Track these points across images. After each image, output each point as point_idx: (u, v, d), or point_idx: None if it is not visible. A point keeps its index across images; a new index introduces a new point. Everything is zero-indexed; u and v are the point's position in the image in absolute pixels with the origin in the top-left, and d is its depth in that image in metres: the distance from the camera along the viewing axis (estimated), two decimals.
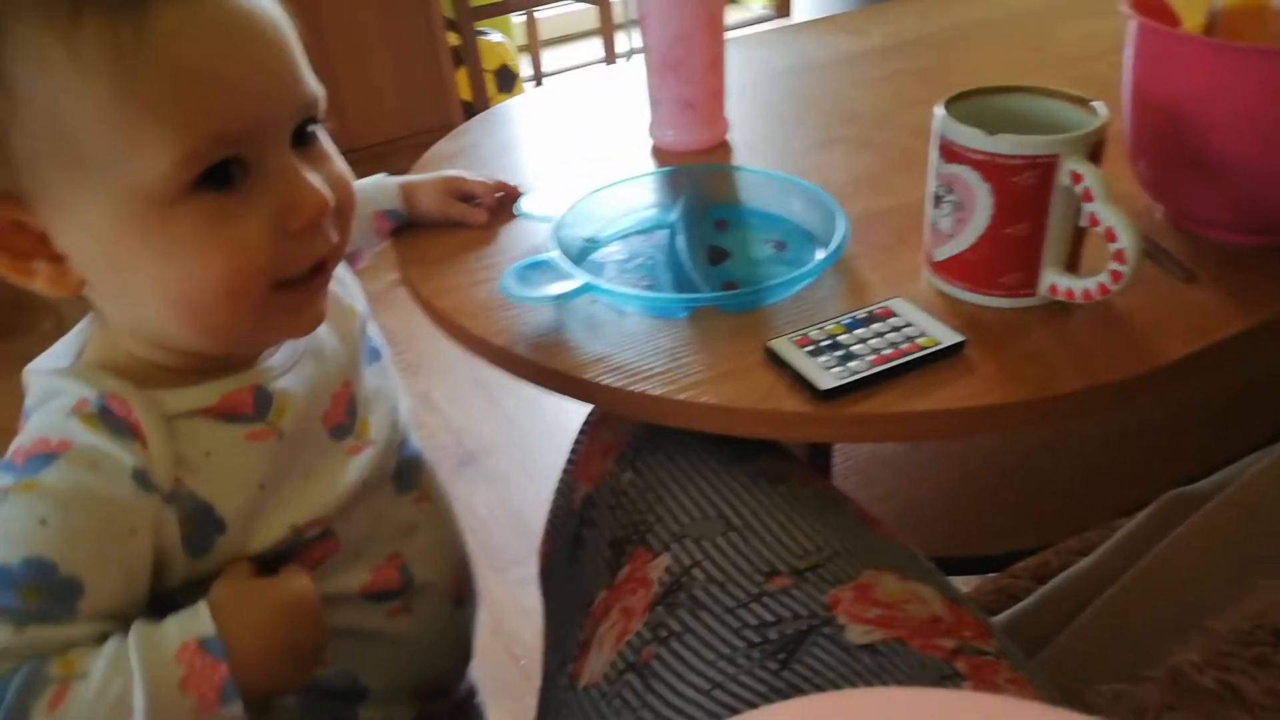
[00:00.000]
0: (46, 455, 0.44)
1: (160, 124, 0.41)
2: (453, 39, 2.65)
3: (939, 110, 0.62)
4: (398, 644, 0.60)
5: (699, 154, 0.90)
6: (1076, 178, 0.58)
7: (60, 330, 0.52)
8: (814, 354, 0.59)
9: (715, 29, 0.84)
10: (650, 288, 0.70)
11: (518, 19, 2.98)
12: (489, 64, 2.74)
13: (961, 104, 0.64)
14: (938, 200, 0.64)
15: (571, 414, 1.85)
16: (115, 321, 0.48)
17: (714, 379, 0.60)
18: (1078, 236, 0.62)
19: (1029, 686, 0.48)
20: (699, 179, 0.80)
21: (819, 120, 0.97)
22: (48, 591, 0.43)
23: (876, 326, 0.61)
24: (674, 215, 0.74)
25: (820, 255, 0.68)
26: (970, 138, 0.59)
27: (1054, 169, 0.58)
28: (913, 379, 0.58)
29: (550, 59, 3.25)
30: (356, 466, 0.54)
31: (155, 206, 0.42)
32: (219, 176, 0.43)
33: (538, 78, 3.01)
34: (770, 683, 0.48)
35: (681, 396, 0.59)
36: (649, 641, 0.52)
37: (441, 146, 0.98)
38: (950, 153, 0.61)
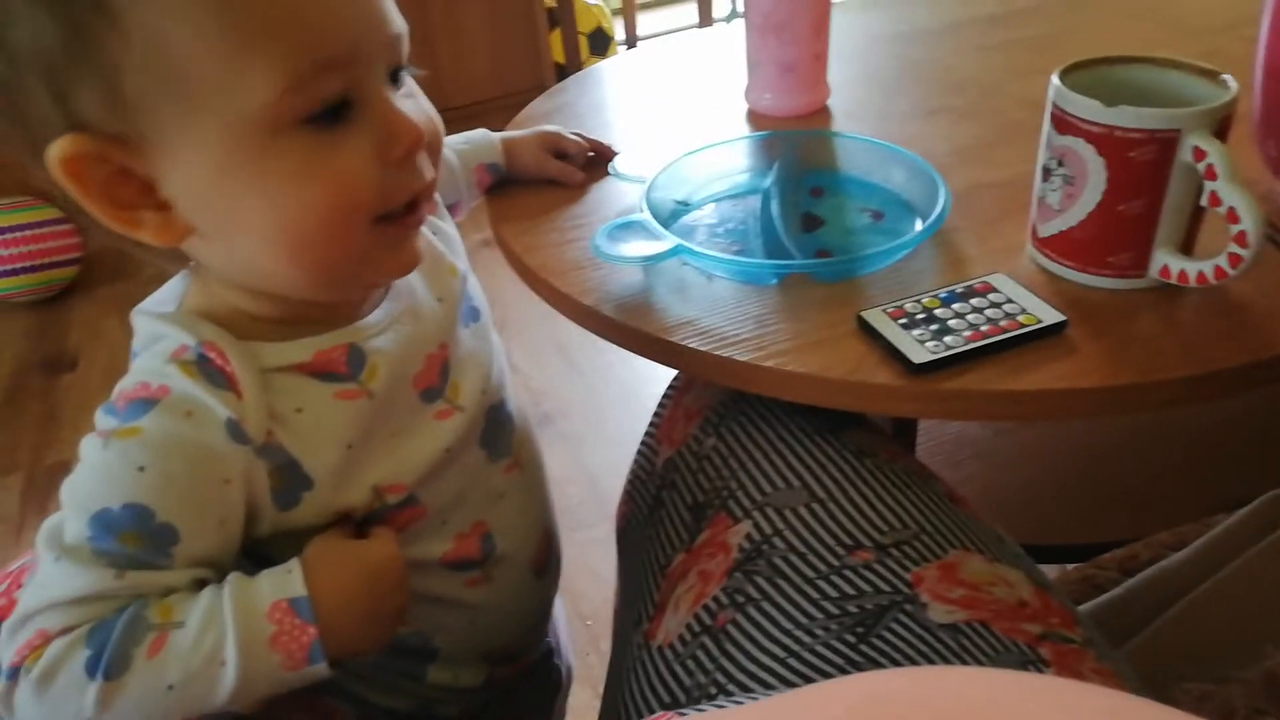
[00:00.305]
0: (146, 401, 0.45)
1: (265, 48, 0.40)
2: (548, 0, 2.65)
3: (1055, 79, 0.60)
4: (474, 612, 0.60)
5: (796, 119, 0.88)
6: (1199, 154, 0.55)
7: (161, 276, 0.53)
8: (908, 327, 0.58)
9: None
10: (741, 253, 0.69)
11: None
12: (583, 26, 2.73)
13: (1079, 74, 0.61)
14: (1047, 174, 0.61)
15: (647, 380, 1.86)
16: (217, 269, 0.48)
17: (803, 347, 0.59)
18: (1195, 217, 0.59)
19: (1115, 678, 0.46)
20: (796, 144, 0.79)
21: (923, 89, 0.94)
22: (146, 537, 0.44)
23: (975, 302, 0.60)
24: (768, 181, 0.73)
25: (919, 226, 0.67)
26: (1087, 109, 0.57)
27: (1175, 144, 0.56)
28: (1011, 357, 0.56)
29: (645, 23, 3.22)
30: (443, 432, 0.54)
31: (262, 138, 0.42)
32: (325, 114, 0.43)
33: (631, 41, 2.99)
34: (847, 655, 0.48)
35: (769, 363, 0.58)
36: (725, 606, 0.52)
37: (537, 105, 0.98)
38: (1064, 124, 0.59)
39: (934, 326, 0.58)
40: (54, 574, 0.44)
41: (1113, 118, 0.56)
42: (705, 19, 2.80)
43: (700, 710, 0.46)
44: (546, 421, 1.66)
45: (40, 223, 2.09)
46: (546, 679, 0.73)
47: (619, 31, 2.96)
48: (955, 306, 0.59)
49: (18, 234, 2.06)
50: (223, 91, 0.41)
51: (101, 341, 2.04)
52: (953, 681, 0.30)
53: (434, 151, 0.49)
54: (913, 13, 1.14)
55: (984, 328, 0.57)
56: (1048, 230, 0.62)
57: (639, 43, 2.99)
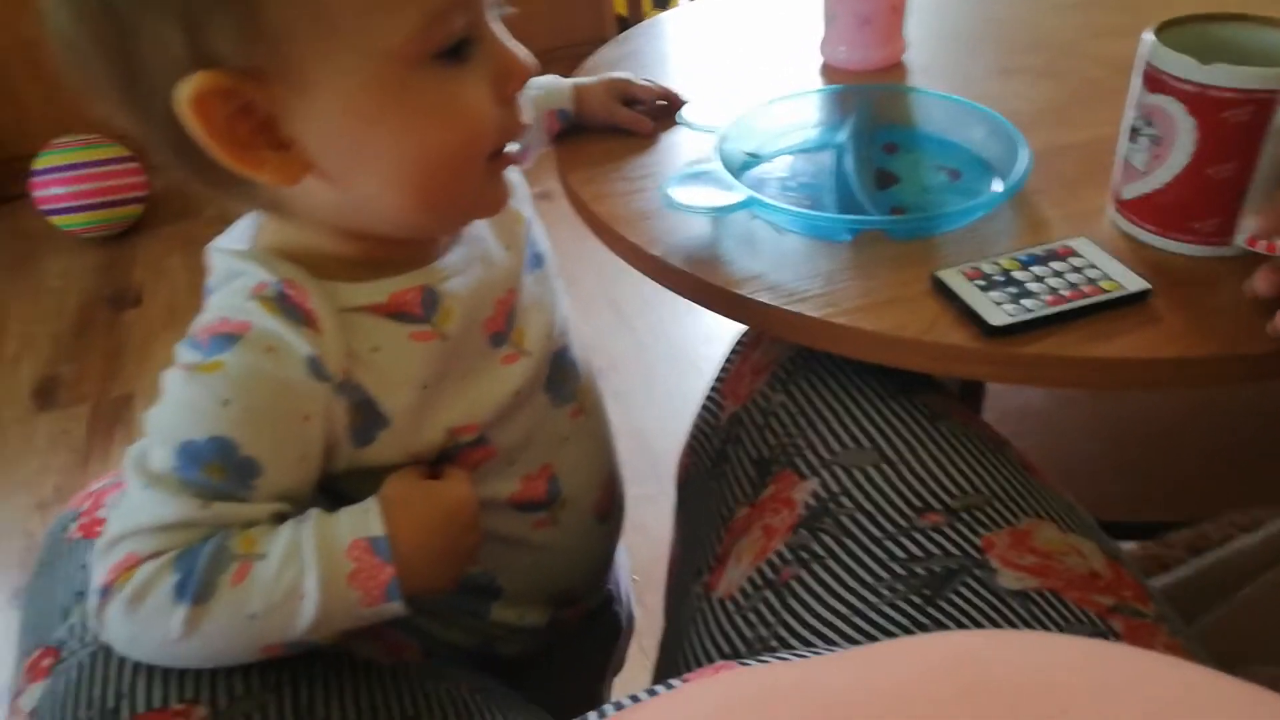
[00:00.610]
0: (229, 336, 0.45)
1: None
2: None
3: (1148, 35, 0.57)
4: (539, 553, 0.61)
5: (872, 74, 0.86)
6: None
7: (223, 218, 0.53)
8: (985, 288, 0.57)
9: None
10: (812, 208, 0.67)
11: None
12: None
13: (1172, 31, 0.59)
14: (1134, 134, 0.59)
15: (699, 340, 1.85)
16: (321, 210, 0.47)
17: (875, 305, 0.58)
18: None
19: (1187, 654, 0.46)
20: (871, 99, 0.77)
21: (1002, 46, 0.91)
22: (230, 469, 0.45)
23: (1055, 265, 0.58)
24: (842, 135, 0.71)
25: (998, 187, 0.65)
26: (1181, 66, 0.55)
27: (1272, 106, 0.53)
28: (1090, 323, 0.55)
29: None
30: (510, 375, 0.54)
31: (396, 74, 0.42)
32: (450, 50, 0.43)
33: None
34: (913, 617, 0.47)
35: (840, 320, 0.57)
36: (789, 562, 0.52)
37: (605, 52, 0.96)
38: (1155, 82, 0.56)
39: (1012, 289, 0.56)
40: (142, 501, 0.45)
41: (1207, 76, 0.54)
42: None
43: (762, 661, 0.46)
44: (598, 376, 1.66)
45: (108, 160, 2.12)
46: (607, 625, 0.74)
47: None
48: (1035, 269, 0.58)
49: (87, 170, 2.10)
50: (363, 26, 0.41)
51: (164, 279, 2.08)
52: (1030, 645, 0.30)
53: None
54: None
55: (1065, 292, 0.56)
56: (1131, 192, 0.60)
57: None
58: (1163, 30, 0.58)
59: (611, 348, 1.75)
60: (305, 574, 0.44)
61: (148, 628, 0.44)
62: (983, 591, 0.47)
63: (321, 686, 0.48)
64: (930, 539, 0.50)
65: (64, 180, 2.09)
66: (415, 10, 0.41)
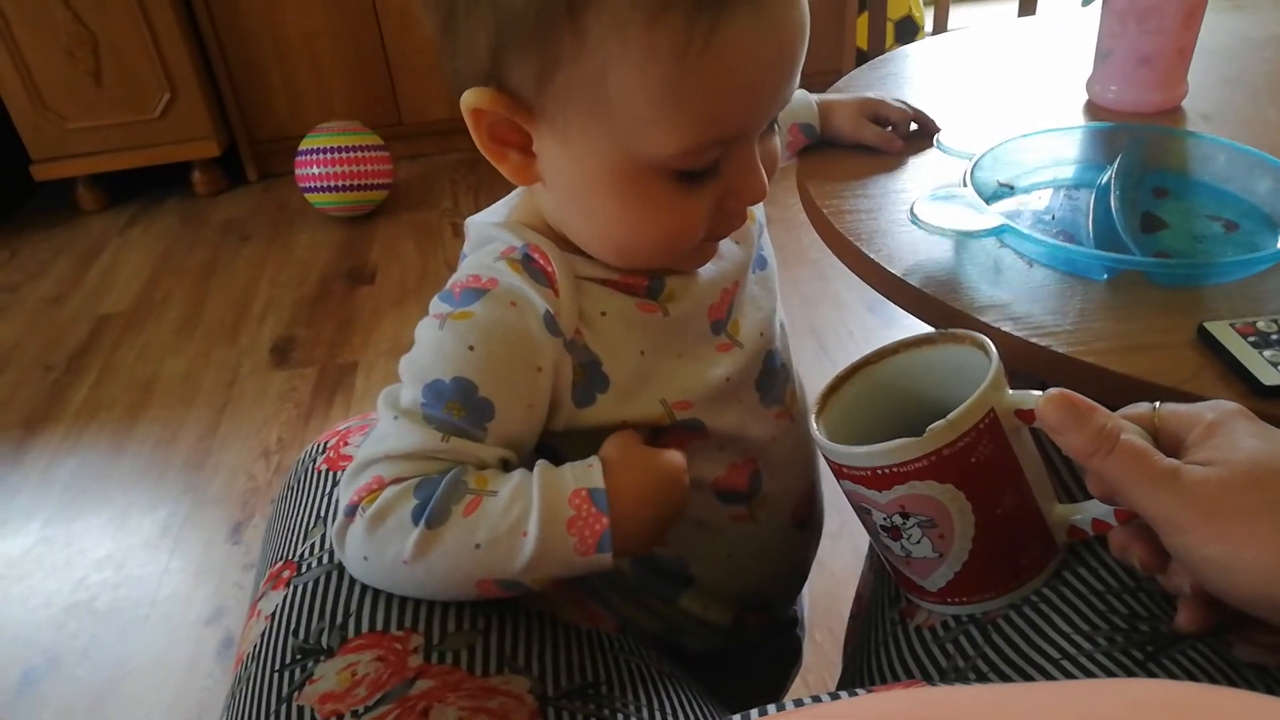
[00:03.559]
0: (478, 290, 0.49)
1: (686, 118, 0.44)
2: None
3: (820, 438, 0.49)
4: (735, 547, 0.61)
5: (1145, 116, 0.82)
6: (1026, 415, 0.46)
7: (456, 211, 0.55)
8: (1258, 345, 0.52)
9: None
10: (1068, 244, 0.64)
11: None
12: (893, 13, 2.66)
13: (837, 407, 0.52)
14: (896, 533, 0.50)
15: None
16: (545, 208, 0.53)
17: (1129, 349, 0.55)
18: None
19: None
20: (1144, 140, 0.73)
21: None
22: (468, 408, 0.48)
23: None
24: (1108, 174, 0.68)
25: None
26: (902, 453, 0.46)
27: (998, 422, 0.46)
28: None
29: (958, 16, 3.10)
30: (723, 363, 0.56)
31: (637, 173, 0.46)
32: (694, 173, 0.46)
33: (940, 33, 2.88)
34: (1129, 669, 0.44)
35: (1090, 359, 0.54)
36: None
37: (859, 74, 0.96)
38: (885, 479, 0.47)
39: None
40: (391, 430, 0.49)
41: (938, 441, 0.45)
42: (1026, 13, 2.65)
43: (952, 685, 0.44)
44: None
45: (362, 147, 2.30)
46: (788, 647, 0.73)
47: (928, 22, 2.86)
48: None
49: (342, 154, 2.28)
50: (631, 130, 0.44)
51: (397, 261, 2.23)
52: (1255, 705, 0.26)
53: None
54: None
55: None
56: None
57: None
58: (823, 412, 0.51)
59: (809, 377, 1.73)
60: (529, 513, 0.46)
61: (384, 546, 0.47)
62: (1214, 658, 0.43)
63: (524, 636, 0.50)
64: (1158, 604, 0.46)
65: (322, 162, 2.28)
66: (680, 139, 0.44)
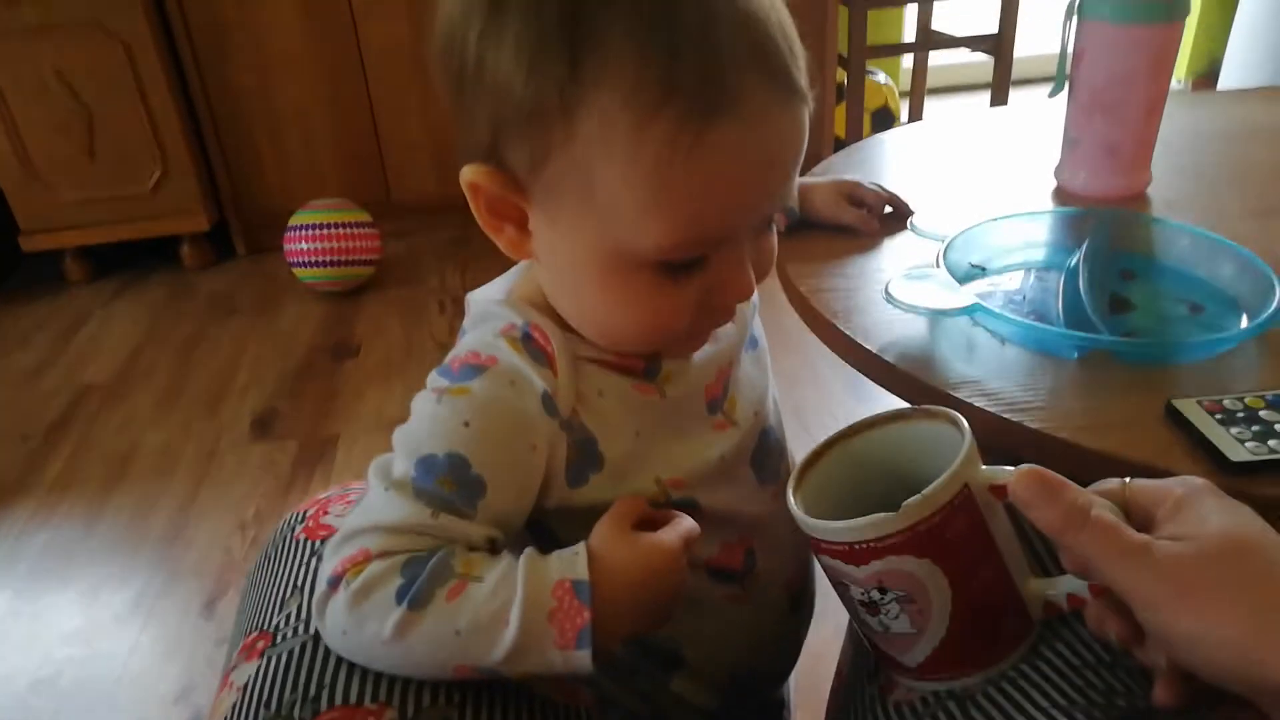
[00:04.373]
0: (477, 367, 0.50)
1: (671, 216, 0.44)
2: (839, 75, 2.69)
3: (798, 512, 0.50)
4: (728, 628, 0.60)
5: (1111, 202, 0.84)
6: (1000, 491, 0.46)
7: (443, 288, 0.55)
8: (1225, 423, 0.54)
9: (1161, 73, 0.78)
10: (1038, 324, 0.66)
11: (905, 63, 2.95)
12: (870, 103, 2.74)
13: (814, 480, 0.53)
14: (874, 608, 0.50)
15: None
16: (543, 282, 0.53)
17: (1100, 426, 0.56)
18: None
19: None
20: (1110, 224, 0.75)
21: (1259, 187, 0.87)
22: (461, 484, 0.48)
23: None
24: (1077, 255, 0.70)
25: (1245, 324, 0.61)
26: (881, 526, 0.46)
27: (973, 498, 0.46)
28: None
29: (932, 109, 3.20)
30: (719, 442, 0.56)
31: (622, 264, 0.47)
32: (678, 266, 0.47)
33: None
34: None
35: (1062, 435, 0.55)
36: None
37: (836, 160, 0.99)
38: (859, 554, 0.48)
39: (1256, 427, 0.53)
40: (381, 502, 0.48)
41: (913, 516, 0.45)
42: (998, 103, 2.74)
43: None
44: None
45: (351, 224, 2.33)
46: None
47: (904, 113, 2.95)
48: None
49: (331, 230, 2.31)
50: (618, 222, 0.45)
51: (382, 337, 2.23)
52: None
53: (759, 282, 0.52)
54: (1247, 112, 1.07)
55: None
56: None
57: None
58: (802, 485, 0.51)
59: (793, 453, 1.74)
60: (512, 603, 0.46)
61: (364, 622, 0.46)
62: None
63: (500, 713, 0.50)
64: (1135, 679, 0.47)
65: (311, 237, 2.30)
66: (664, 236, 0.45)
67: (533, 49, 0.42)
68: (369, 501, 0.49)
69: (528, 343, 0.51)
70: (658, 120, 0.41)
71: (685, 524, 0.51)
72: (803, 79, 0.45)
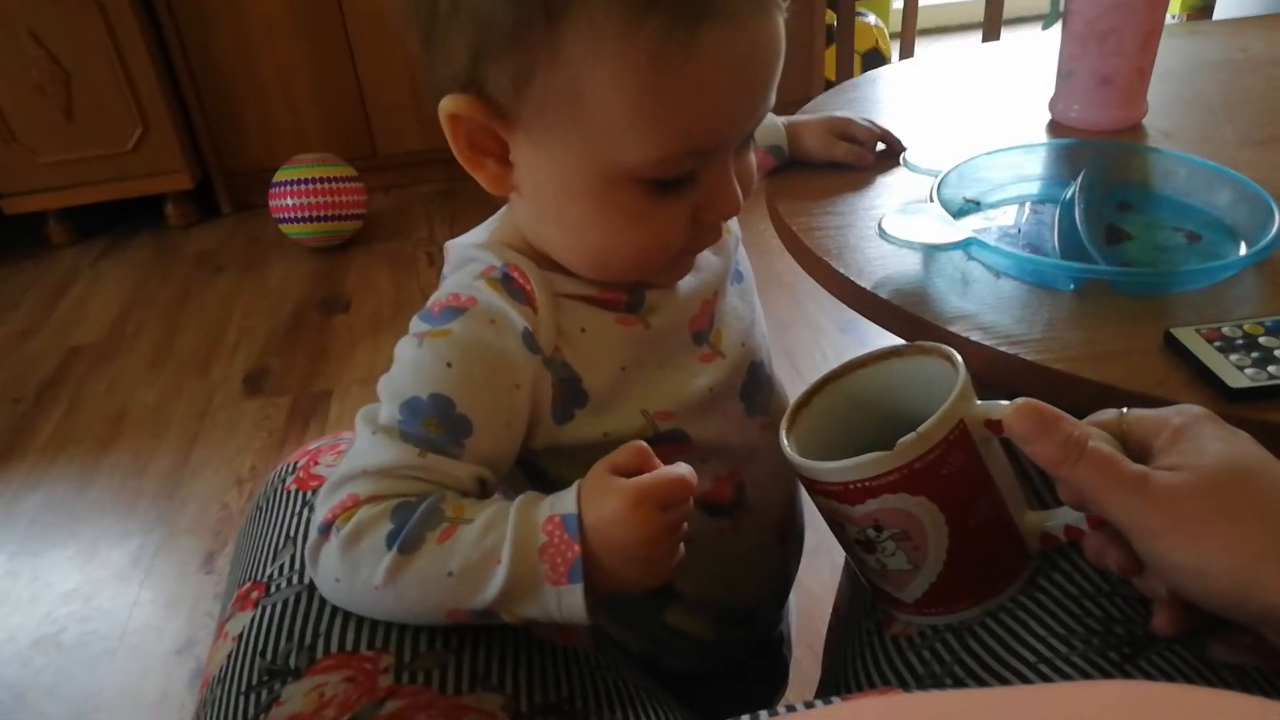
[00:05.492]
0: (457, 309, 0.49)
1: (661, 129, 0.44)
2: (829, 16, 2.64)
3: (791, 455, 0.50)
4: (720, 561, 0.60)
5: (1107, 134, 0.83)
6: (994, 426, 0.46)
7: (431, 240, 0.54)
8: (1224, 350, 0.53)
9: (1157, 1, 0.76)
10: (1034, 256, 0.65)
11: (895, 3, 2.91)
12: (860, 45, 2.70)
13: (806, 422, 0.52)
14: (871, 546, 0.50)
15: None
16: (523, 222, 0.53)
17: (1098, 357, 0.55)
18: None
19: None
20: (1106, 155, 0.74)
21: (1256, 116, 0.86)
22: (446, 425, 0.48)
23: None
24: (1072, 188, 0.69)
25: (1242, 251, 0.61)
26: (878, 465, 0.46)
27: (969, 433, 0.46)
28: None
29: (923, 49, 3.15)
30: (706, 373, 0.56)
31: (611, 181, 0.46)
32: (669, 182, 0.47)
33: None
34: (1106, 671, 0.44)
35: (1059, 367, 0.55)
36: None
37: (828, 97, 0.97)
38: (853, 492, 0.47)
39: (1255, 354, 0.52)
40: (368, 446, 0.48)
41: (909, 454, 0.45)
42: (990, 40, 2.70)
43: (928, 691, 0.44)
44: None
45: (337, 178, 2.30)
46: (774, 666, 0.72)
47: (895, 54, 2.91)
48: None
49: (316, 185, 2.28)
50: (607, 136, 0.44)
51: (372, 291, 2.22)
52: (1228, 703, 0.26)
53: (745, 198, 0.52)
54: (1245, 40, 1.05)
55: None
56: None
57: None
58: (794, 426, 0.51)
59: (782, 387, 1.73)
60: (503, 540, 0.45)
61: (356, 568, 0.46)
62: (1190, 659, 0.44)
63: (498, 654, 0.49)
64: (1134, 608, 0.47)
65: (296, 193, 2.28)
66: (655, 148, 0.44)
67: None
68: (356, 448, 0.49)
69: (507, 282, 0.50)
70: (645, 25, 0.41)
71: (671, 470, 0.48)
72: None
